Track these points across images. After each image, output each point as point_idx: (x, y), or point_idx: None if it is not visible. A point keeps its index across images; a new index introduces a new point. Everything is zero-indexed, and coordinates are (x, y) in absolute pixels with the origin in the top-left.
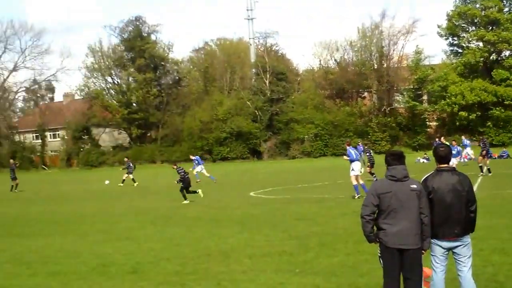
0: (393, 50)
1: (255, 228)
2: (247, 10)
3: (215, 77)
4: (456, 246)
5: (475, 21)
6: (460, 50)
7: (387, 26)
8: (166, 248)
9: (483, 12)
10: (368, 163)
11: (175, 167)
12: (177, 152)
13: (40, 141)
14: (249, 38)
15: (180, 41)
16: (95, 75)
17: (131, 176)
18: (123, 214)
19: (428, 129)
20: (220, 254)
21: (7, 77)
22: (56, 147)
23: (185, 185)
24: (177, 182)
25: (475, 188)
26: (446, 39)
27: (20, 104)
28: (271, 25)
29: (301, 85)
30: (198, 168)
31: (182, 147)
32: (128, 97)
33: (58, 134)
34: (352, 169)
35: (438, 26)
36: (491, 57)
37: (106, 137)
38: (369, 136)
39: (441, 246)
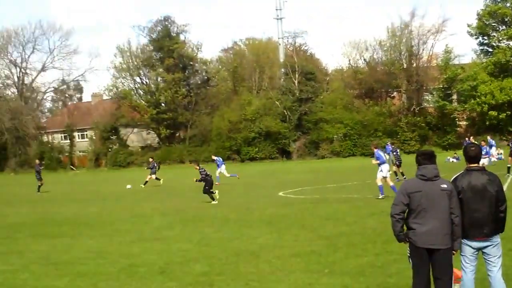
0: (423, 50)
1: (284, 228)
2: (276, 9)
3: (243, 77)
4: (486, 246)
5: (506, 20)
6: (490, 49)
7: (416, 25)
8: (195, 249)
9: None
10: (396, 162)
11: (197, 167)
12: (205, 152)
13: (68, 141)
14: (278, 38)
15: (209, 41)
16: (124, 75)
17: (153, 176)
18: (151, 214)
19: (458, 129)
20: (248, 255)
21: (36, 77)
22: (84, 147)
23: (208, 185)
24: (196, 181)
25: (504, 188)
26: (476, 38)
27: (48, 104)
28: (300, 25)
29: (330, 85)
30: (221, 169)
31: (210, 147)
32: (157, 97)
33: (86, 134)
34: (381, 170)
35: (468, 25)
36: None
37: (135, 137)
38: (398, 136)
39: (470, 246)
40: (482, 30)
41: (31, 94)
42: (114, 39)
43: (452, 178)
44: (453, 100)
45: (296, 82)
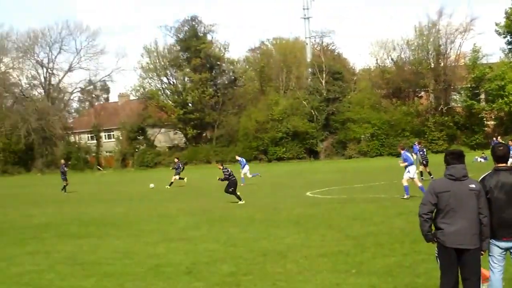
0: (450, 49)
1: (311, 228)
2: (303, 9)
3: (271, 77)
4: None
5: None
6: None
7: (444, 24)
8: (221, 249)
9: None
10: (423, 162)
11: (221, 167)
12: (232, 152)
13: (95, 141)
14: (305, 38)
15: (236, 41)
16: (151, 76)
17: (177, 177)
18: (178, 214)
19: (486, 128)
20: (276, 255)
21: (62, 77)
22: (111, 147)
23: (231, 186)
24: (219, 180)
25: None
26: (504, 37)
27: (75, 104)
28: (327, 24)
29: (358, 85)
30: (245, 170)
31: (237, 147)
32: (184, 97)
33: (113, 134)
34: (408, 171)
35: (496, 24)
36: None
37: (162, 138)
38: (426, 136)
39: (498, 246)
40: (510, 29)
41: (58, 94)
42: (141, 39)
43: (480, 178)
44: (481, 100)
45: (323, 82)
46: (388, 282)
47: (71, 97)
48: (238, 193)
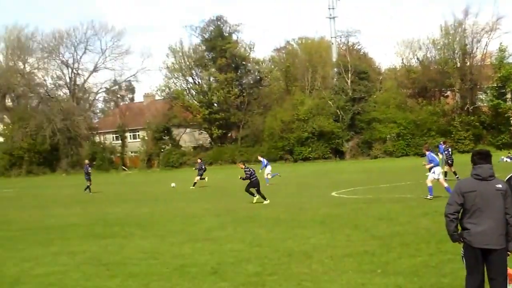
0: (477, 48)
1: (336, 228)
2: (329, 8)
3: (296, 77)
4: None
5: None
6: None
7: (470, 23)
8: (247, 249)
9: None
10: (448, 162)
11: (243, 166)
12: (257, 152)
13: (120, 142)
14: (331, 37)
15: (261, 41)
16: (176, 75)
17: (199, 178)
18: (203, 215)
19: None
20: (301, 255)
21: (87, 78)
22: (136, 148)
23: (254, 186)
24: (240, 179)
25: None
26: None
27: (100, 105)
28: (353, 24)
29: (383, 84)
30: (267, 170)
31: (262, 147)
32: (209, 97)
33: (138, 134)
34: (433, 172)
35: None
36: None
37: (187, 138)
38: (452, 135)
39: None
40: None
41: (83, 94)
42: (166, 39)
43: (507, 178)
44: (508, 99)
45: (349, 81)
46: (414, 282)
47: (96, 97)
48: (249, 192)
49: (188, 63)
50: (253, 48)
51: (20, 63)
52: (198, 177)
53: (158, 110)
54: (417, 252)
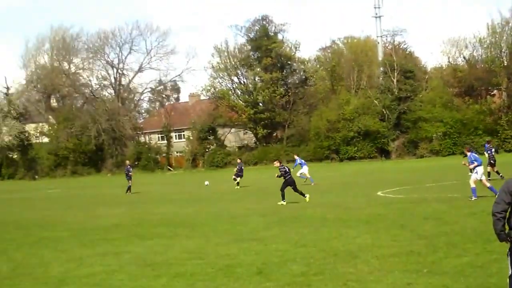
0: None
1: (382, 228)
2: (375, 8)
3: (342, 76)
4: None
5: None
6: None
7: None
8: (292, 249)
9: None
10: (490, 162)
11: (278, 165)
12: (303, 152)
13: (165, 142)
14: (377, 36)
15: (307, 40)
16: (221, 75)
17: (238, 179)
18: (248, 215)
19: None
20: (347, 255)
21: (133, 78)
22: (181, 147)
23: (288, 185)
24: (277, 177)
25: None
26: None
27: (145, 105)
28: (399, 23)
29: (429, 83)
30: (303, 169)
31: (308, 147)
32: (255, 97)
33: (183, 134)
34: (476, 172)
35: None
36: None
37: (232, 137)
38: (499, 134)
39: None
40: None
41: (128, 94)
42: (211, 39)
43: None
44: None
45: (395, 80)
46: (460, 282)
47: (141, 97)
48: (297, 191)
49: (233, 62)
50: (299, 47)
51: (65, 64)
52: (239, 178)
53: (203, 110)
54: (464, 252)
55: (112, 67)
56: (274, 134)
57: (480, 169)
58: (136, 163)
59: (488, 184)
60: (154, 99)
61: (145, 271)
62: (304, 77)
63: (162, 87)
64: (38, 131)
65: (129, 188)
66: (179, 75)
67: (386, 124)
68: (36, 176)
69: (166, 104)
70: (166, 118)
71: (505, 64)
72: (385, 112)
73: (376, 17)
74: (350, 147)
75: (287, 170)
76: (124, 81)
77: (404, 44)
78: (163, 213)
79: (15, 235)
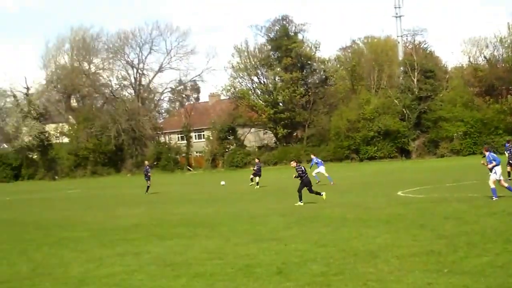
0: None
1: (402, 227)
2: (395, 7)
3: (362, 76)
4: None
5: None
6: None
7: None
8: (312, 249)
9: None
10: (510, 162)
11: (295, 165)
12: (323, 151)
13: (185, 142)
14: (397, 36)
15: (327, 40)
16: (241, 75)
17: (257, 178)
18: (267, 214)
19: None
20: (367, 254)
21: (153, 78)
22: (200, 147)
23: (305, 185)
24: (295, 178)
25: None
26: None
27: (165, 105)
28: (419, 22)
29: (450, 83)
30: (320, 169)
31: (328, 147)
32: (275, 96)
33: (203, 134)
34: (494, 172)
35: None
36: None
37: (252, 137)
38: None
39: None
40: None
41: (148, 95)
42: (231, 39)
43: None
44: None
45: (415, 80)
46: (480, 282)
47: (161, 97)
48: (312, 192)
49: (253, 62)
50: (319, 47)
51: (85, 64)
52: (257, 177)
53: (223, 109)
54: (484, 251)
55: (132, 67)
56: (294, 134)
57: (499, 169)
58: (155, 163)
59: (506, 184)
60: (174, 99)
61: (164, 271)
62: (324, 76)
63: (182, 87)
64: (58, 131)
65: (147, 188)
66: (199, 75)
67: (406, 124)
68: (56, 177)
69: (186, 104)
70: (186, 118)
71: None
72: (405, 111)
73: (396, 17)
74: (370, 147)
75: (304, 169)
76: (144, 81)
77: (425, 44)
78: (183, 213)
79: (35, 236)
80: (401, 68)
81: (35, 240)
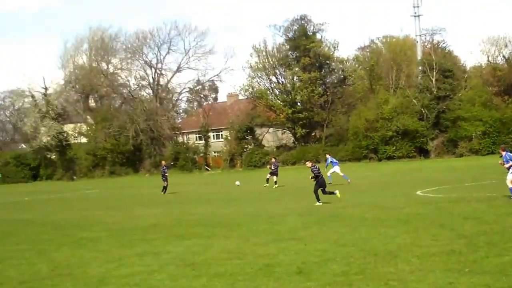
0: None
1: (422, 227)
2: (414, 7)
3: (380, 75)
4: None
5: None
6: None
7: None
8: (332, 248)
9: None
10: None
11: (310, 165)
12: (341, 151)
13: (203, 141)
14: (416, 35)
15: (345, 40)
16: (259, 75)
17: (274, 178)
18: (286, 214)
19: None
20: (387, 254)
21: (171, 78)
22: (219, 147)
23: (319, 186)
24: (312, 179)
25: None
26: None
27: (183, 105)
28: (438, 22)
29: (468, 82)
30: (334, 169)
31: (347, 147)
32: (293, 96)
33: (221, 134)
34: (511, 172)
35: None
36: None
37: (270, 137)
38: None
39: None
40: None
41: (166, 94)
42: (249, 39)
43: None
44: None
45: (433, 79)
46: (502, 281)
47: (180, 97)
48: (326, 193)
49: (271, 62)
50: (337, 47)
51: (104, 64)
52: (274, 177)
53: (241, 109)
54: (504, 251)
55: (150, 67)
56: (313, 134)
57: None
58: (172, 163)
59: None
60: (192, 99)
61: (184, 271)
62: (342, 76)
63: (200, 87)
64: (76, 131)
65: (164, 188)
66: (217, 75)
67: (425, 124)
68: (74, 177)
69: (204, 104)
70: (204, 118)
71: None
72: (423, 111)
73: (414, 16)
74: (389, 146)
75: (319, 170)
76: (162, 81)
77: (443, 43)
78: (201, 213)
79: (54, 236)
80: (420, 68)
81: (54, 240)
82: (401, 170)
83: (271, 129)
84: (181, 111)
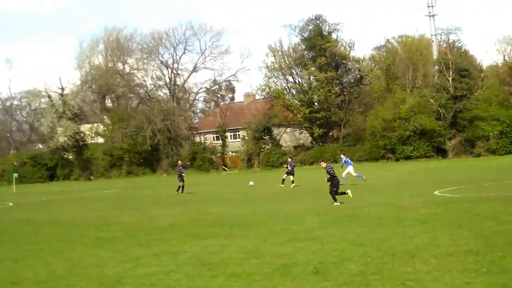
0: None
1: (439, 227)
2: (428, 6)
3: (397, 75)
4: None
5: None
6: None
7: None
8: (349, 248)
9: None
10: None
11: (325, 166)
12: (359, 151)
13: (220, 141)
14: (431, 35)
15: (361, 39)
16: (276, 75)
17: (291, 177)
18: (303, 214)
19: None
20: (404, 254)
21: (187, 78)
22: (236, 147)
23: (334, 186)
24: (327, 181)
25: None
26: None
27: (200, 105)
28: (453, 21)
29: (485, 82)
30: (348, 169)
31: (364, 146)
32: (310, 96)
33: (239, 134)
34: None
35: None
36: None
37: (287, 137)
38: None
39: None
40: None
41: (183, 95)
42: (265, 39)
43: None
44: None
45: (450, 79)
46: None
47: (196, 97)
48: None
49: (287, 62)
50: (353, 46)
51: (120, 64)
52: (290, 176)
53: (258, 109)
54: None
55: (167, 67)
56: (330, 134)
57: None
58: (188, 163)
59: None
60: (209, 99)
61: (201, 271)
62: (359, 76)
63: (216, 87)
64: (93, 131)
65: (180, 188)
66: (233, 74)
67: (442, 123)
68: (91, 177)
69: (221, 104)
70: (221, 118)
71: None
72: (441, 111)
73: (429, 16)
74: (406, 146)
75: (334, 171)
76: (179, 81)
77: (459, 43)
78: (218, 213)
79: (71, 236)
80: (436, 67)
81: (71, 240)
82: (418, 170)
83: (288, 129)
84: (198, 111)
